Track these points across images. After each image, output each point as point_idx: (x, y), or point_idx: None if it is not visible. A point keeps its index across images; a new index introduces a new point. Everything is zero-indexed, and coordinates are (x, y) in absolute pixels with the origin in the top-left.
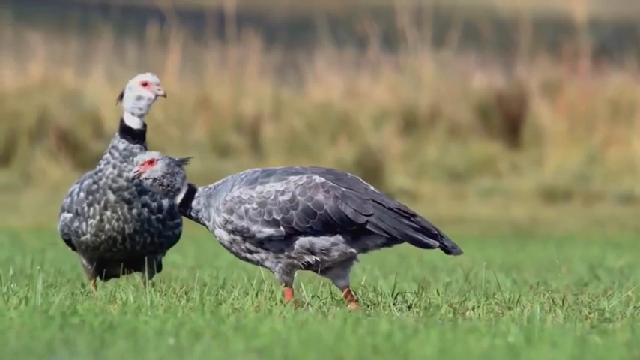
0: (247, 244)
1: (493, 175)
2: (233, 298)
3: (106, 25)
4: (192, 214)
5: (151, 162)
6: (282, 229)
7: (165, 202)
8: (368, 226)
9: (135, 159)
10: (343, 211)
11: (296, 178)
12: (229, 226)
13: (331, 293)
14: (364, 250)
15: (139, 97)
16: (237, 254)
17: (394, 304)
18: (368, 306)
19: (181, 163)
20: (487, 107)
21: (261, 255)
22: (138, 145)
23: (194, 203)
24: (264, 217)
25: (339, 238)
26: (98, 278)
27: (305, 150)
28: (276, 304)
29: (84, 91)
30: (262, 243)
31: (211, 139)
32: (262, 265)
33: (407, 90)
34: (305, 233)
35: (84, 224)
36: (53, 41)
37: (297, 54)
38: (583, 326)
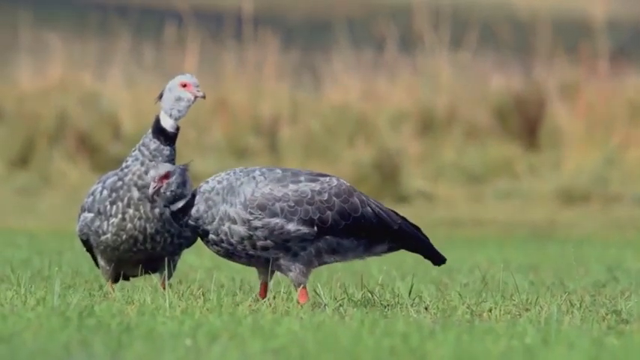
0: (268, 242)
1: (511, 177)
2: (250, 300)
3: (124, 26)
4: (191, 222)
5: (166, 175)
6: (315, 228)
7: None
8: (400, 232)
9: (149, 175)
10: (378, 215)
11: (327, 179)
12: (257, 222)
13: (347, 295)
14: (368, 255)
15: (179, 99)
16: (237, 253)
17: (411, 306)
18: (385, 307)
19: (186, 169)
20: (505, 109)
21: (277, 253)
22: (168, 147)
23: (193, 211)
24: (301, 216)
25: (362, 241)
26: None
27: (322, 152)
28: (293, 305)
29: (102, 93)
30: (288, 241)
31: (229, 141)
32: (273, 265)
33: (424, 92)
34: (335, 234)
35: (105, 223)
36: (72, 43)
37: (315, 56)
38: (600, 328)
